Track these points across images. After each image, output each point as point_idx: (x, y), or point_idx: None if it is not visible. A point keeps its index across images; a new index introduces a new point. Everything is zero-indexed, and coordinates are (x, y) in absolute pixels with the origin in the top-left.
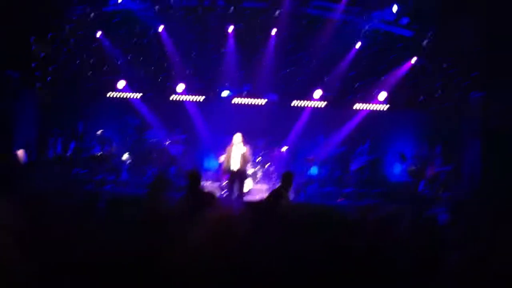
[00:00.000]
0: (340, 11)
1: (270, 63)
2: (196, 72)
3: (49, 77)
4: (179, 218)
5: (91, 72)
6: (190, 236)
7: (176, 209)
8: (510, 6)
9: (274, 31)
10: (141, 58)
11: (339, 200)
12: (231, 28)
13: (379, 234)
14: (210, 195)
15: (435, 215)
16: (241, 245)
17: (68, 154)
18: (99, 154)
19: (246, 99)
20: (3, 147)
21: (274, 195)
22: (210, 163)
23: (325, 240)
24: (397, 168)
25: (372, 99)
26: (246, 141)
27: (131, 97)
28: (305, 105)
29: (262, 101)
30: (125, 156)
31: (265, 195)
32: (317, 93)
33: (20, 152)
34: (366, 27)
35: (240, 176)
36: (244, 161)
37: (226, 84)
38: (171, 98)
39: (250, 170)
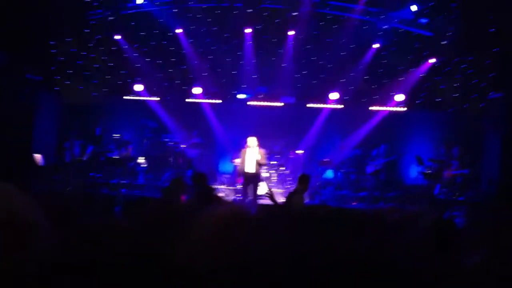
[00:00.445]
0: (358, 12)
1: (287, 64)
2: (213, 74)
3: (68, 81)
4: (187, 217)
5: (109, 75)
6: (193, 234)
7: (186, 208)
8: None
9: (291, 33)
10: (159, 61)
11: (354, 203)
12: (248, 30)
13: (397, 236)
14: (215, 195)
15: (452, 218)
16: (245, 244)
17: (85, 158)
18: (116, 157)
19: (263, 101)
20: (23, 151)
21: (290, 197)
22: (226, 166)
23: (338, 241)
24: (414, 171)
25: (389, 100)
26: (261, 144)
27: (149, 100)
28: (322, 107)
29: (278, 104)
30: (141, 160)
31: (279, 198)
32: (334, 95)
33: (38, 156)
34: (384, 27)
35: (254, 179)
36: (259, 164)
37: (243, 86)
38: (187, 101)
39: (264, 173)
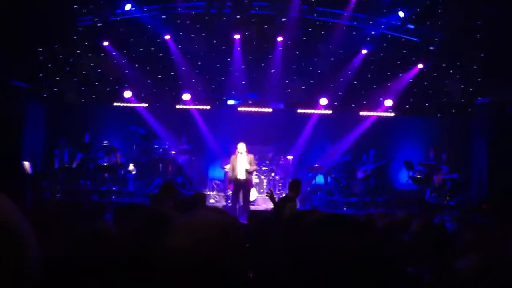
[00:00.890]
0: (346, 18)
1: (276, 70)
2: (202, 80)
3: (56, 88)
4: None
5: (97, 82)
6: (171, 240)
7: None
8: None
9: (280, 39)
10: (148, 67)
11: (345, 208)
12: (237, 36)
13: (387, 240)
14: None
15: (443, 223)
16: (234, 253)
17: (74, 165)
18: (106, 164)
19: (252, 107)
20: (11, 158)
21: (282, 203)
22: (216, 172)
23: (330, 245)
24: (404, 176)
25: (378, 105)
26: (251, 149)
27: (138, 106)
28: (312, 113)
29: (268, 109)
30: (131, 167)
31: (270, 204)
32: (323, 101)
33: (27, 164)
34: (372, 33)
35: (245, 185)
36: (249, 170)
37: (232, 92)
38: (177, 107)
39: (254, 179)
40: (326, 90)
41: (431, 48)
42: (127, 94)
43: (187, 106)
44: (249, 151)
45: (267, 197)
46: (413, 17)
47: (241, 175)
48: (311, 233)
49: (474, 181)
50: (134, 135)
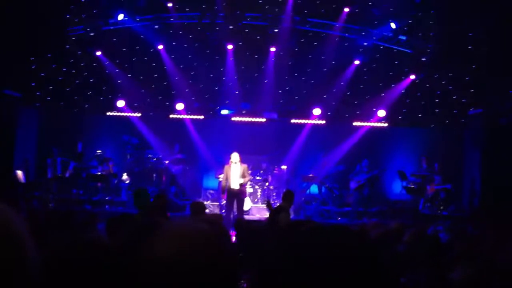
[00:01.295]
0: (339, 29)
1: (269, 80)
2: (196, 90)
3: (49, 97)
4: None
5: (90, 91)
6: (157, 249)
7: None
8: (507, 24)
9: (273, 49)
10: (141, 77)
11: (338, 219)
12: (230, 46)
13: (381, 250)
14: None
15: (436, 233)
16: (222, 262)
17: (67, 175)
18: (99, 174)
19: (245, 117)
20: (3, 167)
21: (275, 212)
22: (210, 182)
23: (324, 255)
24: (397, 186)
25: (371, 116)
26: (245, 159)
27: (131, 116)
28: (305, 123)
29: (261, 119)
30: (124, 176)
31: (264, 214)
32: (316, 111)
33: (19, 173)
34: (365, 44)
35: (238, 195)
36: (243, 180)
37: (226, 102)
38: (170, 117)
39: (248, 189)
40: (319, 100)
41: (423, 59)
42: (120, 103)
43: (181, 116)
44: (242, 161)
45: (262, 207)
46: (405, 28)
47: (235, 185)
48: (305, 244)
49: (466, 192)
50: (127, 144)
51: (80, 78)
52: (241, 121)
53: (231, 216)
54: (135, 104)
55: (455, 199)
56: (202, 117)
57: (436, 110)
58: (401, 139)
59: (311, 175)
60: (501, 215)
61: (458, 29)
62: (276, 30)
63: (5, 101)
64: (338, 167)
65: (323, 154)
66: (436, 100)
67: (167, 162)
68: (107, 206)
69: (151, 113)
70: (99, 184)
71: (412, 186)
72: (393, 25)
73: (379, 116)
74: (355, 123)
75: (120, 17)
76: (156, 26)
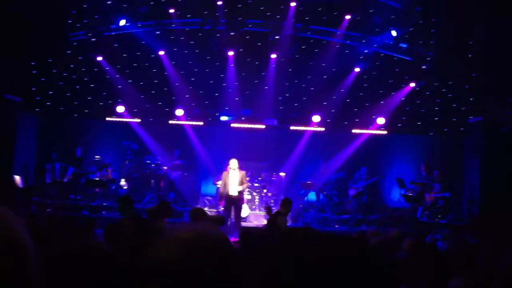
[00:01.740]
0: (340, 36)
1: (270, 87)
2: (196, 96)
3: (49, 102)
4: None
5: (91, 96)
6: (158, 252)
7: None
8: (508, 32)
9: (273, 56)
10: (141, 82)
11: (337, 226)
12: (231, 52)
13: (380, 257)
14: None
15: (434, 242)
16: (224, 267)
17: (66, 180)
18: (97, 179)
19: (245, 124)
20: (2, 172)
21: (273, 218)
22: (208, 188)
23: (322, 263)
24: (396, 194)
25: (371, 123)
26: (244, 166)
27: (130, 121)
28: (304, 130)
29: (261, 126)
30: (123, 182)
31: (262, 220)
32: (316, 118)
33: (17, 178)
34: (365, 52)
35: (236, 201)
36: (241, 186)
37: (226, 108)
38: (170, 123)
39: (247, 196)
40: (319, 108)
41: (424, 67)
42: (120, 109)
43: (180, 122)
44: (241, 167)
45: (260, 214)
46: (406, 36)
47: (233, 192)
48: (302, 251)
49: (466, 200)
50: (127, 150)
51: (80, 83)
52: (240, 127)
53: (229, 222)
54: (135, 110)
55: (454, 207)
56: (201, 123)
57: (436, 118)
58: (401, 146)
59: (309, 182)
60: (501, 223)
61: (459, 37)
62: (277, 37)
63: (6, 106)
64: (338, 175)
65: (323, 161)
66: (436, 108)
67: (166, 168)
68: (105, 212)
69: (151, 119)
70: (97, 190)
71: (411, 194)
72: (394, 33)
73: (378, 124)
74: (354, 131)
75: (122, 22)
76: (158, 32)
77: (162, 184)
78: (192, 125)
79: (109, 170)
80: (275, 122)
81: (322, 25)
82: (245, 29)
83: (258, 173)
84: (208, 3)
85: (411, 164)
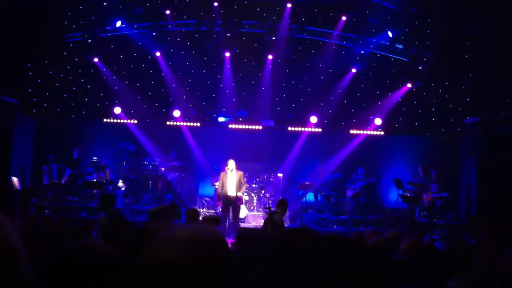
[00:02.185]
0: (336, 37)
1: (266, 88)
2: (193, 97)
3: (46, 103)
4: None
5: (87, 98)
6: (156, 252)
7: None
8: (504, 32)
9: (270, 57)
10: (138, 83)
11: (334, 227)
12: (227, 54)
13: (378, 258)
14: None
15: (432, 242)
16: (221, 268)
17: (63, 182)
18: (94, 181)
19: (242, 125)
20: (0, 174)
21: (269, 221)
22: (206, 190)
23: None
24: (393, 194)
25: (368, 124)
26: (242, 167)
27: (127, 123)
28: (301, 131)
29: (258, 127)
30: (120, 183)
31: (260, 221)
32: (313, 119)
33: (15, 179)
34: (362, 53)
35: (234, 202)
36: (239, 187)
37: (223, 109)
38: (167, 124)
39: (244, 197)
40: (316, 108)
41: (420, 67)
42: (117, 110)
43: (177, 123)
44: (239, 168)
45: (258, 215)
46: (402, 37)
47: (231, 192)
48: (301, 252)
49: (463, 200)
50: (124, 151)
51: (77, 84)
52: (237, 128)
53: (227, 223)
54: (132, 111)
55: (452, 207)
56: (198, 124)
57: (433, 119)
58: (398, 147)
59: (307, 183)
60: (498, 223)
61: (454, 38)
62: (273, 38)
63: (2, 108)
64: (335, 175)
65: (320, 162)
66: (433, 109)
67: (163, 169)
68: (102, 214)
69: (147, 120)
70: (94, 191)
71: (408, 195)
72: (390, 34)
73: (375, 124)
74: (351, 131)
75: (118, 24)
76: (154, 33)
77: (159, 185)
78: (189, 126)
79: (107, 171)
80: (272, 123)
81: (318, 26)
82: (241, 30)
83: (256, 174)
84: (204, 4)
85: (408, 164)
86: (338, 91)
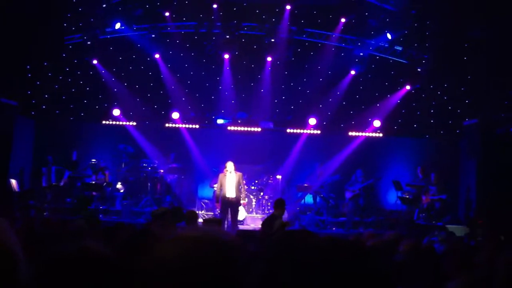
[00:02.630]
0: (335, 39)
1: (265, 90)
2: (192, 99)
3: (45, 105)
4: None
5: (86, 100)
6: (159, 252)
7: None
8: (503, 35)
9: (269, 59)
10: (137, 85)
11: (333, 229)
12: (226, 55)
13: (377, 260)
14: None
15: (431, 244)
16: (225, 269)
17: (62, 183)
18: (93, 183)
19: (241, 126)
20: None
21: (268, 221)
22: (205, 191)
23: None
24: (392, 196)
25: (367, 126)
26: (240, 169)
27: (126, 125)
28: (300, 132)
29: (257, 129)
30: (119, 185)
31: (258, 223)
32: (312, 121)
33: (13, 182)
34: (361, 54)
35: (233, 204)
36: (237, 189)
37: (222, 111)
38: (166, 126)
39: (243, 199)
40: (315, 110)
41: (419, 69)
42: (116, 112)
43: (176, 125)
44: (237, 170)
45: (256, 216)
46: (401, 39)
47: (230, 194)
48: (300, 253)
49: (462, 202)
50: (123, 153)
51: (76, 86)
52: (236, 130)
53: (226, 225)
54: (131, 113)
55: (451, 209)
56: (197, 126)
57: (432, 121)
58: (397, 149)
59: (306, 185)
60: (498, 225)
61: (453, 40)
62: (272, 40)
63: (1, 110)
64: (334, 177)
65: (319, 164)
66: (432, 111)
67: (162, 171)
68: (101, 216)
69: (146, 122)
70: (93, 193)
71: (407, 196)
72: (389, 36)
73: (374, 126)
74: (350, 133)
75: (117, 26)
76: (153, 35)
77: (158, 187)
78: (188, 128)
79: (107, 173)
80: (271, 125)
81: (317, 28)
82: (241, 32)
83: (254, 176)
84: (204, 6)
85: (407, 166)
86: (337, 93)
